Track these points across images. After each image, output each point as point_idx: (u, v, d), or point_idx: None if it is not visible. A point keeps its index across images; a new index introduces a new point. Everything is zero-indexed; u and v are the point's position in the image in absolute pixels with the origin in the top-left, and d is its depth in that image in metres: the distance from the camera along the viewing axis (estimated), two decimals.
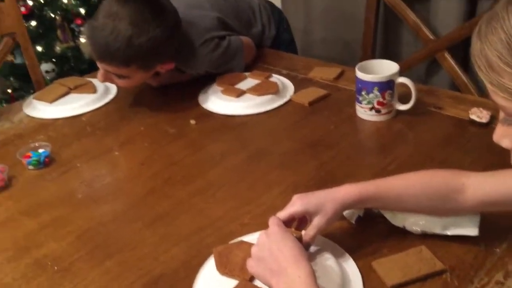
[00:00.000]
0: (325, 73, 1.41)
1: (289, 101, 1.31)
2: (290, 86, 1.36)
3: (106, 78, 1.26)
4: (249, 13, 1.57)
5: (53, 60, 2.42)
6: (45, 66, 2.37)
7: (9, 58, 2.42)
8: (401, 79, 1.15)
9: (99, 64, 1.23)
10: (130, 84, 1.30)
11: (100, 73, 1.25)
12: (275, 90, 1.31)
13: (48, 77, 2.34)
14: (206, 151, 1.15)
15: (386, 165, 1.02)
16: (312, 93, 1.31)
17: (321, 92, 1.32)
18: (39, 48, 2.36)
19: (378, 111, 1.16)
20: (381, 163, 1.04)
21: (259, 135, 1.21)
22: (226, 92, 1.33)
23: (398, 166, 1.01)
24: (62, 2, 2.30)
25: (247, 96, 1.32)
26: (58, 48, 2.42)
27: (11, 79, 2.52)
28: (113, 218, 0.97)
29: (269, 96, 1.30)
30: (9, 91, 2.52)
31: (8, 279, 0.84)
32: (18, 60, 2.39)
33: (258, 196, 0.97)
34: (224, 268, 0.77)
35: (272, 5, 1.71)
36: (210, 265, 0.80)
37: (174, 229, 0.91)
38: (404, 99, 1.17)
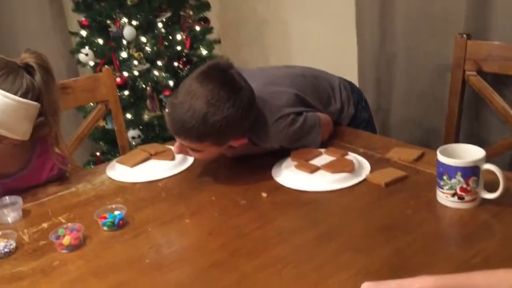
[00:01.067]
0: (404, 154, 1.37)
1: (364, 180, 1.27)
2: (366, 165, 1.33)
3: (182, 151, 1.31)
4: (328, 91, 1.59)
5: (140, 127, 2.58)
6: (132, 133, 2.53)
7: (101, 123, 2.61)
8: (488, 166, 1.08)
9: (177, 139, 1.28)
10: (204, 157, 1.34)
11: (176, 145, 1.31)
12: (350, 168, 1.28)
13: (133, 143, 2.49)
14: (275, 226, 1.13)
15: (469, 258, 0.94)
16: (389, 174, 1.26)
17: (399, 173, 1.27)
18: (128, 116, 2.53)
19: (461, 198, 1.09)
20: (463, 256, 0.95)
21: (331, 213, 1.17)
22: (300, 167, 1.32)
23: (483, 260, 0.92)
24: (154, 75, 2.48)
25: (321, 172, 1.30)
26: (146, 117, 2.58)
27: (101, 143, 2.70)
28: (176, 285, 0.95)
29: (343, 174, 1.27)
30: (98, 154, 2.69)
31: None
32: (109, 126, 2.57)
33: (325, 278, 0.92)
34: None
35: (351, 84, 1.72)
36: None
37: None
38: (491, 187, 1.09)
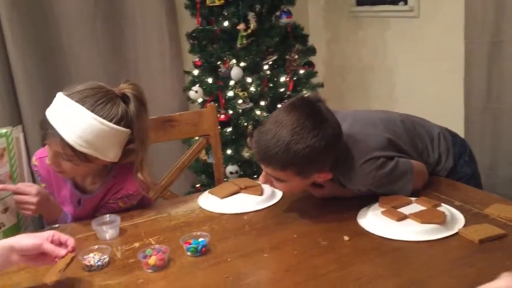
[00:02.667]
0: (505, 211, 1.26)
1: (456, 234, 1.19)
2: (460, 219, 1.25)
3: (267, 180, 1.34)
4: (426, 140, 1.53)
5: (239, 163, 2.67)
6: (231, 168, 2.63)
7: (204, 157, 2.75)
8: None
9: (262, 167, 1.31)
10: (288, 189, 1.35)
11: (262, 175, 1.34)
12: (441, 220, 1.21)
13: (231, 178, 2.57)
14: (354, 270, 1.09)
15: None
16: (485, 230, 1.17)
17: (497, 231, 1.17)
18: (229, 151, 2.64)
19: None
20: None
21: (415, 264, 1.11)
22: (387, 213, 1.27)
23: None
24: (256, 114, 2.57)
25: (409, 221, 1.24)
26: (245, 153, 2.67)
27: (202, 176, 2.83)
28: None
29: (433, 226, 1.20)
30: (198, 185, 2.82)
31: None
32: (210, 160, 2.69)
33: None
34: None
35: (454, 136, 1.63)
36: None
37: None
38: None
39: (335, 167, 1.31)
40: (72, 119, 1.28)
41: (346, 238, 1.22)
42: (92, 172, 1.43)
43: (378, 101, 3.01)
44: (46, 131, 1.30)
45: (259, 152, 1.27)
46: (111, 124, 1.31)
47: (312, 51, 2.75)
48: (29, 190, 1.34)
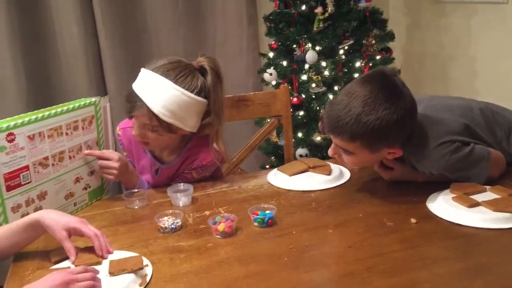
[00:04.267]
0: None
1: None
2: None
3: (335, 153, 1.34)
4: (505, 129, 1.46)
5: (309, 147, 2.69)
6: (300, 151, 2.65)
7: (275, 139, 2.80)
8: None
9: (332, 138, 1.32)
10: (355, 163, 1.34)
11: (331, 147, 1.35)
12: None
13: None
14: (419, 251, 1.09)
15: None
16: None
17: None
18: (299, 134, 2.66)
19: None
20: None
21: (482, 251, 1.08)
22: (458, 199, 1.25)
23: None
24: (329, 98, 2.57)
25: (481, 208, 1.21)
26: (315, 137, 2.68)
27: (272, 157, 2.88)
28: (307, 286, 0.99)
29: (506, 214, 1.16)
30: (267, 166, 2.87)
31: None
32: (281, 142, 2.73)
33: None
34: None
35: None
36: None
37: None
38: None
39: (407, 146, 1.29)
40: (158, 91, 1.37)
41: (413, 220, 1.21)
42: (172, 143, 1.52)
43: (458, 90, 2.88)
44: (134, 104, 1.39)
45: (330, 122, 1.28)
46: (192, 95, 1.39)
47: (391, 36, 2.69)
48: (112, 156, 1.45)
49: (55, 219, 1.12)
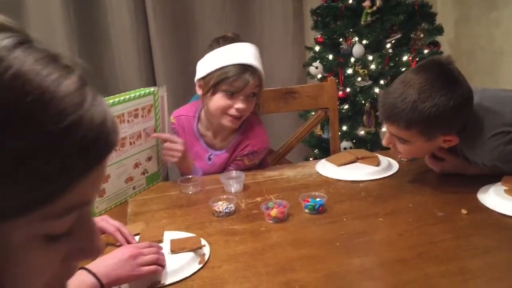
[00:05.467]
0: None
1: None
2: None
3: (390, 142, 1.36)
4: None
5: (353, 140, 2.70)
6: (345, 144, 2.67)
7: (319, 132, 2.83)
8: None
9: (386, 127, 1.34)
10: (410, 152, 1.36)
11: (385, 137, 1.37)
12: None
13: None
14: (470, 241, 1.11)
15: None
16: None
17: None
18: (344, 128, 2.68)
19: None
20: None
21: None
22: (510, 192, 1.25)
23: None
24: (374, 92, 2.57)
25: None
26: (360, 131, 2.69)
27: (316, 150, 2.91)
28: (358, 270, 1.03)
29: None
30: (311, 159, 2.90)
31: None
32: (325, 135, 2.76)
33: None
34: None
35: None
36: None
37: None
38: None
39: (461, 135, 1.29)
40: (256, 57, 1.55)
41: (464, 211, 1.22)
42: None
43: (509, 85, 2.83)
44: (243, 76, 1.48)
45: (385, 111, 1.29)
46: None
47: (439, 30, 2.67)
48: (177, 140, 1.53)
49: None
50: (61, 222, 0.42)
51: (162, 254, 1.06)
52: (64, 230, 0.43)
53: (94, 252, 0.47)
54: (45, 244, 0.42)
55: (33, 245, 0.41)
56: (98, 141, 0.42)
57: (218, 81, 1.50)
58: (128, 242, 1.14)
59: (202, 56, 1.58)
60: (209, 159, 1.64)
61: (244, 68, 1.49)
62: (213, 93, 1.53)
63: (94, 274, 0.93)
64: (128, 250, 1.00)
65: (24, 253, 0.41)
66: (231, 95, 1.51)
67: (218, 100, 1.52)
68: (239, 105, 1.51)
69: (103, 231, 1.17)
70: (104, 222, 1.18)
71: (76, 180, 0.41)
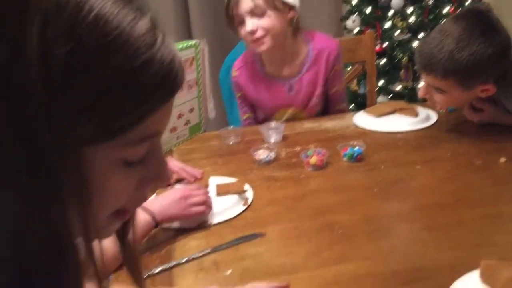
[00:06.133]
0: None
1: None
2: None
3: (427, 93, 1.37)
4: None
5: (390, 95, 2.69)
6: (381, 99, 2.66)
7: (355, 87, 2.82)
8: None
9: (423, 77, 1.35)
10: (447, 102, 1.36)
11: (422, 87, 1.38)
12: None
13: None
14: (508, 188, 1.13)
15: None
16: None
17: None
18: (380, 83, 2.66)
19: None
20: None
21: None
22: None
23: None
24: (413, 45, 2.53)
25: None
26: (396, 87, 2.67)
27: (352, 105, 2.91)
28: (396, 213, 1.08)
29: None
30: None
31: (305, 228, 1.05)
32: (361, 90, 2.76)
33: None
34: (486, 278, 0.78)
35: None
36: (474, 274, 0.81)
37: (450, 237, 0.96)
38: None
39: (499, 84, 1.29)
40: None
41: (502, 159, 1.24)
42: (281, 39, 1.58)
43: None
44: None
45: (421, 61, 1.30)
46: None
47: None
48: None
49: None
50: (137, 150, 0.47)
51: (210, 197, 1.12)
52: (139, 157, 0.47)
53: (165, 180, 0.52)
54: (123, 169, 0.47)
55: (113, 170, 0.46)
56: (168, 78, 0.46)
57: (226, 12, 1.55)
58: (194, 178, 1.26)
59: None
60: (291, 89, 1.68)
61: None
62: (237, 28, 1.56)
63: (150, 212, 1.00)
64: (179, 191, 1.07)
65: (105, 177, 0.46)
66: (241, 23, 1.55)
67: (239, 32, 1.57)
68: (248, 26, 1.52)
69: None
70: (169, 161, 1.27)
71: (150, 113, 0.45)
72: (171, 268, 0.96)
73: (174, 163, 1.27)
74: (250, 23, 1.52)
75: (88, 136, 0.43)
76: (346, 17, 2.75)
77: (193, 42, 1.55)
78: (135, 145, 0.46)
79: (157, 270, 0.95)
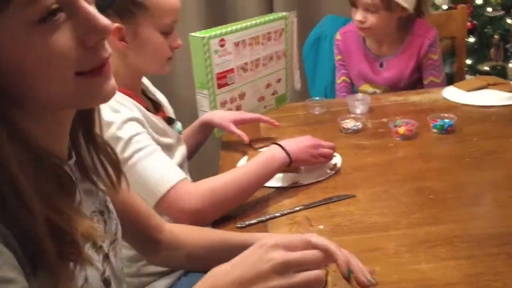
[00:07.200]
0: None
1: None
2: None
3: None
4: None
5: (476, 74, 2.59)
6: (468, 78, 2.57)
7: None
8: None
9: None
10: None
11: None
12: None
13: None
14: None
15: None
16: None
17: None
18: (468, 61, 2.57)
19: None
20: None
21: None
22: None
23: None
24: (506, 23, 2.42)
25: None
26: (485, 66, 2.57)
27: None
28: (488, 182, 1.08)
29: None
30: None
31: (394, 192, 1.07)
32: (447, 69, 2.67)
33: None
34: None
35: None
36: None
37: None
38: None
39: None
40: None
41: None
42: (391, 30, 1.69)
43: None
44: None
45: None
46: None
47: None
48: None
49: (222, 117, 1.36)
50: (40, 4, 0.48)
51: (333, 152, 1.20)
52: (44, 10, 0.48)
53: (96, 26, 0.52)
54: (43, 29, 0.49)
55: (32, 32, 0.48)
56: None
57: None
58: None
59: None
60: (381, 65, 1.76)
61: None
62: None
63: (286, 150, 1.10)
64: (313, 140, 1.16)
65: (27, 42, 0.48)
66: (355, 6, 1.65)
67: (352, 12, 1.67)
68: (357, 16, 1.64)
69: (244, 122, 1.36)
70: (243, 114, 1.39)
71: None
72: (266, 220, 1.02)
73: (248, 115, 1.39)
74: (361, 15, 1.63)
75: None
76: None
77: (283, 14, 1.60)
78: (34, 2, 0.47)
79: (253, 221, 1.02)
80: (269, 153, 1.10)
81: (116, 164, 0.70)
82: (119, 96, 1.06)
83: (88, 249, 0.61)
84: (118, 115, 1.03)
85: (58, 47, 0.50)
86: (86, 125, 0.65)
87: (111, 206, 0.73)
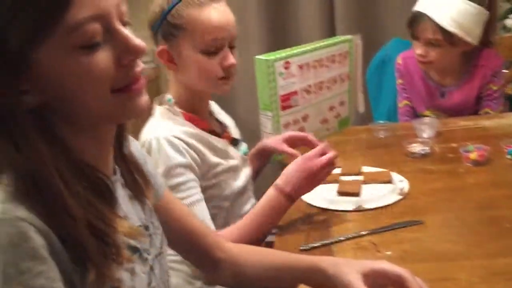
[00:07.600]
0: None
1: None
2: None
3: None
4: None
5: None
6: None
7: (510, 91, 2.61)
8: None
9: None
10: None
11: None
12: None
13: None
14: None
15: None
16: None
17: None
18: None
19: None
20: None
21: None
22: None
23: None
24: None
25: None
26: None
27: None
28: None
29: None
30: None
31: (466, 219, 1.03)
32: None
33: None
34: None
35: None
36: None
37: None
38: None
39: None
40: (440, 4, 1.56)
41: None
42: (454, 62, 1.65)
43: None
44: (418, 22, 1.58)
45: None
46: (477, 5, 1.52)
47: None
48: None
49: (274, 139, 1.33)
50: (82, 33, 0.52)
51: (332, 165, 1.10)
52: (90, 38, 0.53)
53: (135, 48, 0.56)
54: (83, 53, 0.53)
55: (74, 57, 0.53)
56: None
57: (408, 24, 1.64)
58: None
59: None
60: (443, 95, 1.72)
61: (420, 14, 1.58)
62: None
63: (284, 193, 1.06)
64: (302, 165, 1.07)
65: (67, 64, 0.53)
66: (417, 40, 1.62)
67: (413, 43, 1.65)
68: (418, 50, 1.62)
69: (296, 138, 1.30)
70: (292, 132, 1.36)
71: None
72: (330, 244, 1.00)
73: (298, 132, 1.36)
74: (422, 49, 1.61)
75: (27, 38, 0.50)
76: (504, 16, 2.57)
77: (348, 37, 1.59)
78: (77, 30, 0.52)
79: (317, 244, 1.00)
80: (265, 202, 1.06)
81: (145, 177, 0.73)
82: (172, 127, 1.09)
83: (135, 260, 0.64)
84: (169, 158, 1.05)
85: (98, 67, 0.55)
86: (119, 140, 0.68)
87: (155, 220, 0.75)
